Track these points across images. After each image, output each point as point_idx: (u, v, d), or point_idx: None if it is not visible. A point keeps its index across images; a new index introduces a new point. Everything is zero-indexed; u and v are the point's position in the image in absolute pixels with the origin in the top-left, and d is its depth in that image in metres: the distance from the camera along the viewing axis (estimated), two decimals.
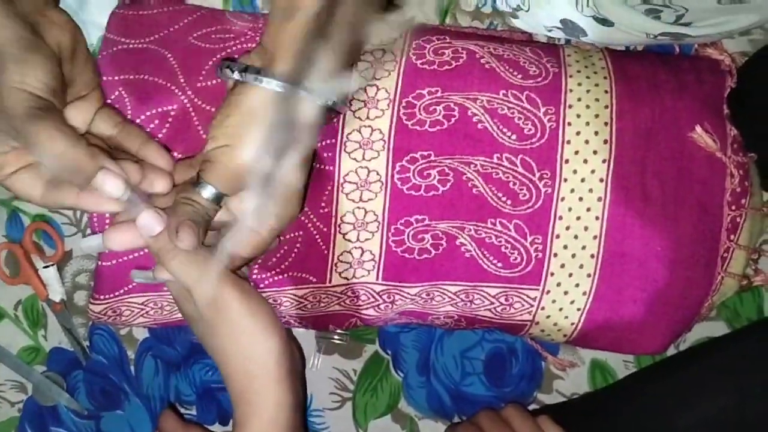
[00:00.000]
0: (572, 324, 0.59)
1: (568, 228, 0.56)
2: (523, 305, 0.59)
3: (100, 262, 0.56)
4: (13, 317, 0.64)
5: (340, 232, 0.56)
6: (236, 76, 0.48)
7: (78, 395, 0.65)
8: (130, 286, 0.57)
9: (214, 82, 0.55)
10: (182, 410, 0.67)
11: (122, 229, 0.48)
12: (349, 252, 0.57)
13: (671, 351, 0.66)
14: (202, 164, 0.49)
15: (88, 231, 0.63)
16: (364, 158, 0.55)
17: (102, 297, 0.57)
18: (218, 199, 0.49)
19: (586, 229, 0.56)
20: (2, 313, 0.64)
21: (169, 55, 0.56)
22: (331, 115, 0.54)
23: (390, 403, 0.68)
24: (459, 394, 0.68)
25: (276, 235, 0.51)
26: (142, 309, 0.58)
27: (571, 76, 0.57)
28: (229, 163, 0.48)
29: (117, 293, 0.57)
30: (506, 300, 0.59)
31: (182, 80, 0.55)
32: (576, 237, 0.56)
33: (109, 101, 0.54)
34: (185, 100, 0.54)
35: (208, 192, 0.48)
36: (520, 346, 0.68)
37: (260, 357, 0.49)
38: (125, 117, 0.53)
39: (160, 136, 0.54)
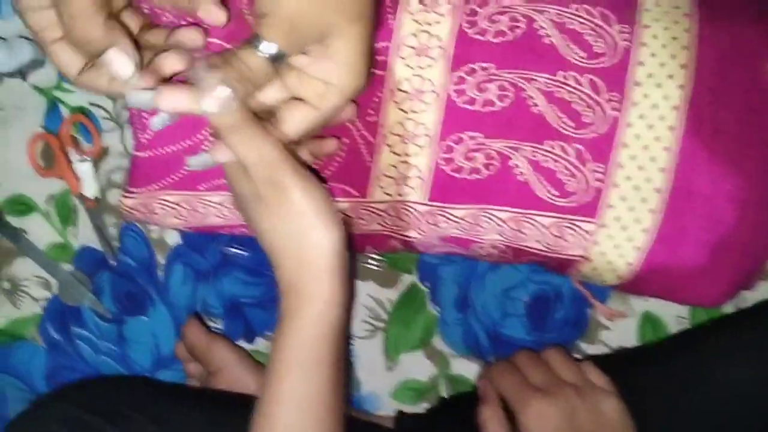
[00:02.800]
0: (628, 264, 0.56)
1: (633, 157, 0.52)
2: (576, 239, 0.55)
3: (135, 152, 0.53)
4: (43, 211, 0.63)
5: (386, 144, 0.53)
6: None
7: (103, 297, 0.63)
8: (165, 181, 0.54)
9: None
10: (208, 322, 0.65)
11: (178, 88, 0.45)
12: (394, 166, 0.54)
13: (729, 309, 0.61)
14: (256, 20, 0.44)
15: (127, 127, 0.61)
16: (418, 65, 0.52)
17: (135, 190, 0.55)
18: (276, 59, 0.44)
19: (653, 159, 0.52)
20: (33, 206, 0.63)
21: None
22: None
23: (423, 337, 0.66)
24: (497, 335, 0.66)
25: (337, 112, 0.47)
26: (175, 209, 0.56)
27: None
28: (289, 12, 0.42)
29: (151, 187, 0.54)
30: (558, 231, 0.55)
31: None
32: (641, 168, 0.53)
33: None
34: None
35: (265, 47, 0.43)
36: (567, 290, 0.65)
37: (317, 244, 0.46)
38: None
39: None
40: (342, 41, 0.44)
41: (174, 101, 0.44)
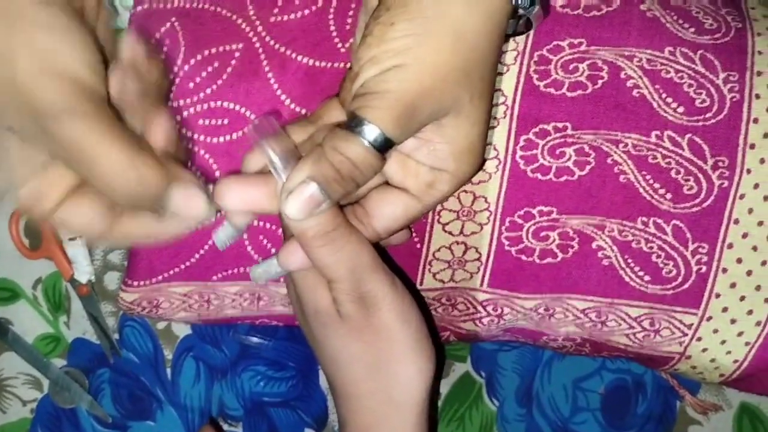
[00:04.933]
0: (735, 362, 0.47)
1: (744, 236, 0.44)
2: (673, 333, 0.46)
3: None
4: (30, 298, 0.53)
5: (438, 222, 0.45)
6: None
7: (102, 398, 0.54)
8: (172, 272, 0.45)
9: (293, 16, 0.42)
10: (225, 426, 0.56)
11: (247, 183, 0.36)
12: (449, 248, 0.45)
13: None
14: (357, 100, 0.34)
15: None
16: None
17: (136, 283, 0.45)
18: (384, 149, 0.35)
19: None
20: (18, 292, 0.53)
21: None
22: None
23: None
24: None
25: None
26: (185, 301, 0.47)
27: (759, 34, 0.45)
28: (405, 92, 0.33)
29: (155, 279, 0.45)
30: (651, 325, 0.46)
31: (252, 12, 0.42)
32: (755, 249, 0.45)
33: (158, 35, 0.42)
34: (254, 38, 0.42)
35: (371, 134, 0.34)
36: (650, 379, 0.56)
37: (408, 381, 0.39)
38: None
39: (219, 82, 0.42)
40: (462, 120, 0.35)
41: (241, 199, 0.36)
